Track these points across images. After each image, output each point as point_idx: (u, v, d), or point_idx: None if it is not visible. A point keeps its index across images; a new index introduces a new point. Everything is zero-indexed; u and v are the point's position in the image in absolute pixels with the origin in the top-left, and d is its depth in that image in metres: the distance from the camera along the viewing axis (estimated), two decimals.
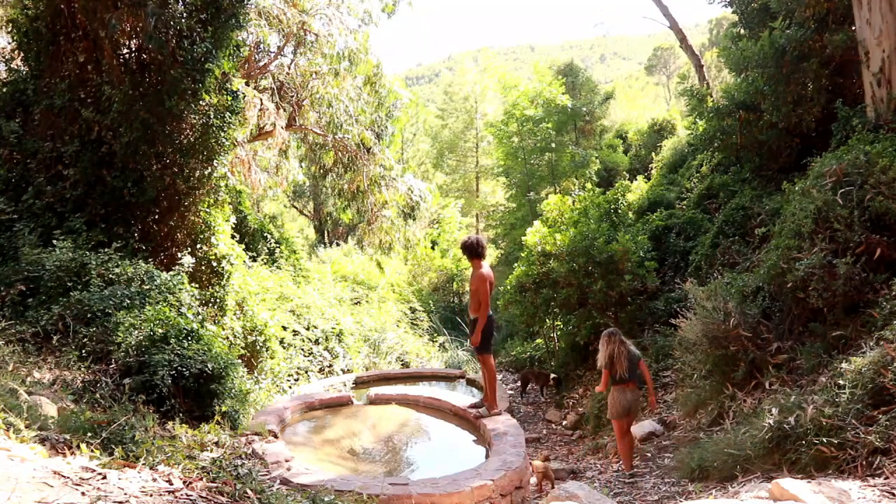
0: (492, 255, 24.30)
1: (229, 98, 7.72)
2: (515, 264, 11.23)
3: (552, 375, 10.69)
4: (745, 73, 9.89)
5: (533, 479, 6.15)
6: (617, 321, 9.58)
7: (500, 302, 11.23)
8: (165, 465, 3.04)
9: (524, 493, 5.13)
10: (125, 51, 7.44)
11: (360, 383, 9.07)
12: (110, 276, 6.06)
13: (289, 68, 13.49)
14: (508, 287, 10.62)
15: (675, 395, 7.58)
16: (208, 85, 7.34)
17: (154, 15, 6.74)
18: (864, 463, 3.63)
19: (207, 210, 7.78)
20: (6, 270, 5.87)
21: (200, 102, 7.32)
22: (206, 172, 7.53)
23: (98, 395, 4.65)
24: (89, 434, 3.33)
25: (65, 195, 6.91)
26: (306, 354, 10.40)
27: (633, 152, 22.86)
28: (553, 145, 20.53)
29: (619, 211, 10.94)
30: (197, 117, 7.34)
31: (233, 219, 8.88)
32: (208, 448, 4.47)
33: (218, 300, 7.93)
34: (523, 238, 11.19)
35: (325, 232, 25.20)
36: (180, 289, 6.44)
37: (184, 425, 4.86)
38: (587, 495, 4.09)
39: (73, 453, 2.99)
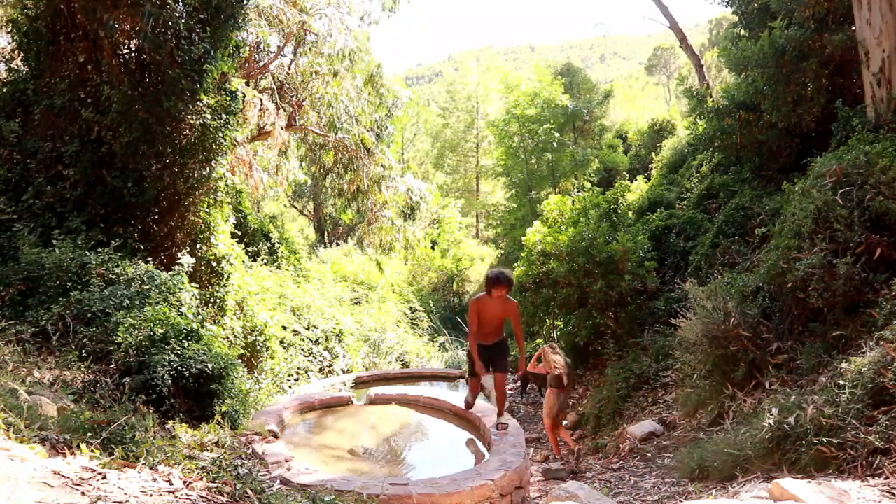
0: (492, 255, 24.31)
1: (228, 98, 7.72)
2: (515, 264, 11.23)
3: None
4: (745, 73, 9.89)
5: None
6: (617, 321, 9.58)
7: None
8: (165, 465, 3.04)
9: (524, 493, 5.13)
10: (125, 51, 7.44)
11: (360, 383, 9.07)
12: (110, 276, 6.06)
13: (289, 68, 13.50)
14: None
15: (675, 395, 7.57)
16: (206, 85, 7.34)
17: (151, 15, 6.74)
18: (864, 463, 3.62)
19: (207, 210, 7.78)
20: (6, 270, 5.87)
21: (198, 103, 7.32)
22: (204, 172, 7.53)
23: (98, 395, 4.65)
24: (89, 434, 3.33)
25: (65, 195, 6.90)
26: (306, 354, 10.40)
27: (633, 152, 22.86)
28: (554, 145, 20.53)
29: (619, 211, 10.94)
30: (195, 118, 7.34)
31: (233, 219, 8.89)
32: (208, 448, 4.47)
33: (218, 300, 7.93)
34: (523, 238, 11.19)
35: (325, 232, 25.20)
36: (180, 289, 6.44)
37: (184, 425, 4.86)
38: (587, 495, 4.09)
39: (73, 453, 2.99)
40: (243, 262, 9.28)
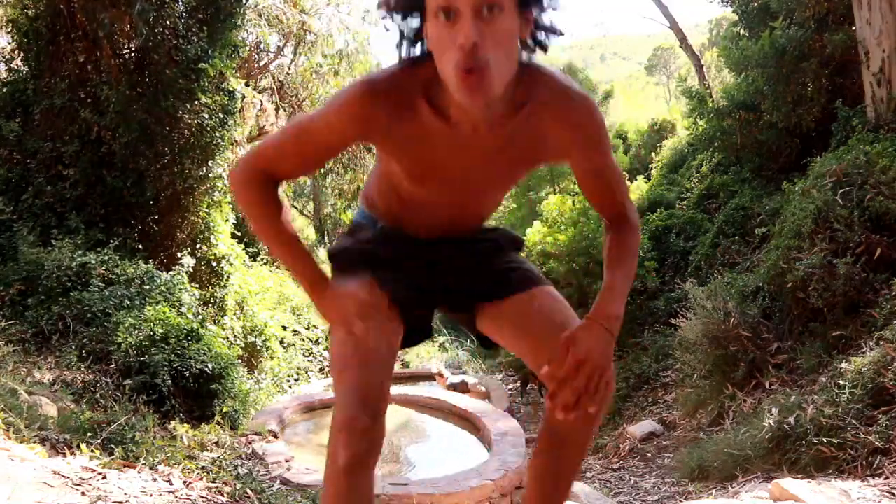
0: None
1: (226, 98, 7.72)
2: None
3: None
4: (745, 73, 9.88)
5: None
6: None
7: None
8: (165, 466, 3.04)
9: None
10: (124, 51, 7.45)
11: None
12: (110, 276, 6.06)
13: (289, 68, 13.50)
14: None
15: (675, 395, 7.57)
16: (204, 85, 7.35)
17: (144, 13, 6.72)
18: (864, 463, 3.62)
19: (207, 210, 7.79)
20: (6, 270, 5.87)
21: (196, 102, 7.32)
22: (202, 172, 7.54)
23: (98, 395, 4.65)
24: (89, 434, 3.33)
25: (65, 195, 6.90)
26: (306, 354, 10.40)
27: (633, 152, 22.83)
28: None
29: None
30: (193, 117, 7.34)
31: (233, 219, 8.89)
32: (208, 448, 4.47)
33: (218, 300, 7.93)
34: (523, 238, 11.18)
35: (325, 232, 25.19)
36: (181, 289, 6.44)
37: (184, 425, 4.86)
38: (587, 495, 4.09)
39: (73, 453, 2.99)
40: (243, 262, 9.27)
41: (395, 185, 1.38)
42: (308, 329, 10.86)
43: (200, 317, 6.49)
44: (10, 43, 7.87)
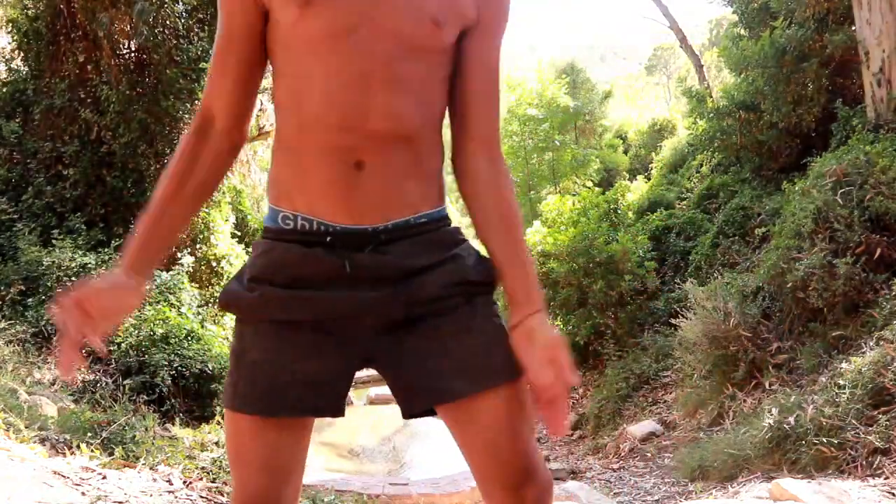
0: None
1: None
2: None
3: None
4: (745, 73, 9.90)
5: None
6: (617, 321, 9.58)
7: (501, 303, 11.16)
8: (165, 466, 3.04)
9: None
10: (124, 51, 7.45)
11: (359, 383, 9.07)
12: None
13: None
14: None
15: (675, 395, 7.58)
16: (204, 85, 7.36)
17: (144, 13, 6.73)
18: (864, 463, 3.62)
19: (206, 210, 7.79)
20: (6, 270, 5.87)
21: (196, 102, 7.33)
22: None
23: (98, 395, 4.65)
24: (89, 434, 3.33)
25: (65, 195, 6.91)
26: None
27: (633, 152, 22.85)
28: (557, 143, 20.57)
29: (619, 211, 10.94)
30: (193, 117, 7.35)
31: (232, 219, 8.89)
32: (208, 448, 4.47)
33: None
34: None
35: None
36: (180, 289, 6.44)
37: (185, 427, 4.86)
38: (587, 495, 4.09)
39: (73, 453, 2.99)
40: (243, 261, 9.27)
41: (292, 81, 1.07)
42: None
43: (200, 317, 6.50)
44: (10, 43, 7.87)
